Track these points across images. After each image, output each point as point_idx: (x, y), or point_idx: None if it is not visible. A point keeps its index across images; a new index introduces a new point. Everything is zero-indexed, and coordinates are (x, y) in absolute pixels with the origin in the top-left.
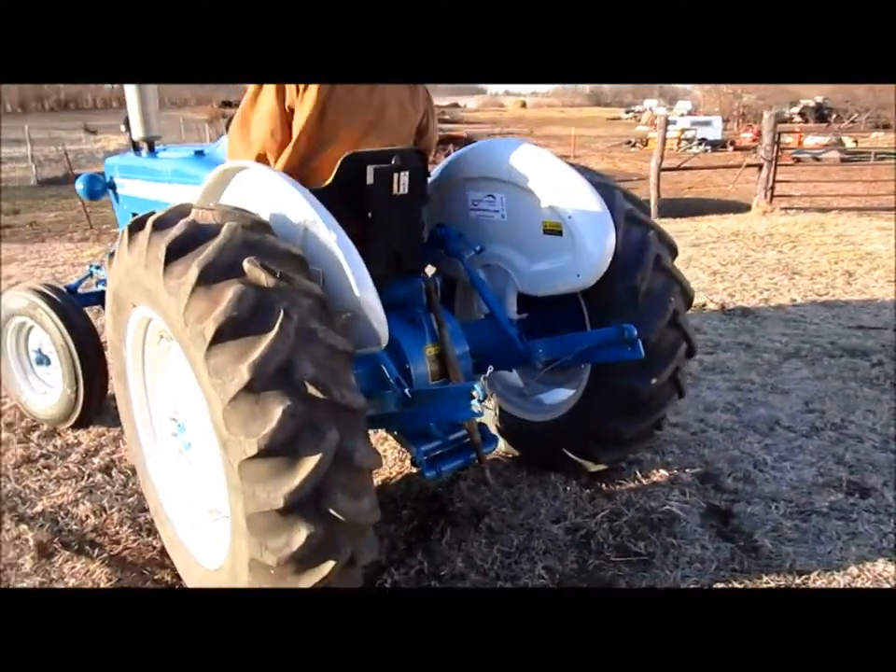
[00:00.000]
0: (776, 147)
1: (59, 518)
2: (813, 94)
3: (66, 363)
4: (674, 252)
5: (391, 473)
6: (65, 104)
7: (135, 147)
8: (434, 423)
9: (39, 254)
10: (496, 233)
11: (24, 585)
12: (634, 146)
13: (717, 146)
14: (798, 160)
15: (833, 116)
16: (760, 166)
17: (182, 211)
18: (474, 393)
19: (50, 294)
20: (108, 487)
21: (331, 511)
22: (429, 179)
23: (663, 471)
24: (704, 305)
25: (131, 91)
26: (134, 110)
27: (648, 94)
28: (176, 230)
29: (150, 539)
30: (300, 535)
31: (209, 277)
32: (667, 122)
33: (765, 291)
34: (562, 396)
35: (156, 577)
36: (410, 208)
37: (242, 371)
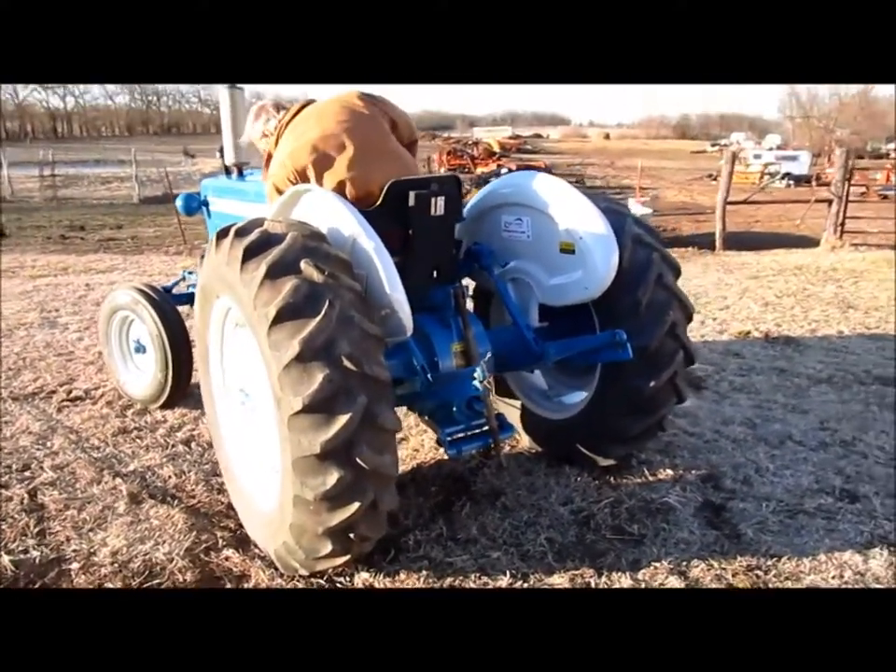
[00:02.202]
0: (846, 184)
1: (146, 476)
2: None
3: (159, 351)
4: (677, 272)
5: (426, 458)
6: (168, 128)
7: (227, 171)
8: (457, 408)
9: (138, 264)
10: (522, 251)
11: (119, 523)
12: (714, 179)
13: (801, 181)
14: (885, 196)
15: None
16: (830, 202)
17: (258, 223)
18: (475, 374)
19: (150, 292)
20: (188, 456)
21: (358, 460)
22: (470, 204)
23: (669, 471)
24: (748, 333)
25: (226, 122)
26: (228, 139)
27: (736, 127)
28: (252, 236)
29: (220, 496)
30: (332, 476)
31: (274, 273)
32: (734, 157)
33: (814, 322)
34: (577, 397)
35: (222, 524)
36: (445, 227)
37: (294, 344)
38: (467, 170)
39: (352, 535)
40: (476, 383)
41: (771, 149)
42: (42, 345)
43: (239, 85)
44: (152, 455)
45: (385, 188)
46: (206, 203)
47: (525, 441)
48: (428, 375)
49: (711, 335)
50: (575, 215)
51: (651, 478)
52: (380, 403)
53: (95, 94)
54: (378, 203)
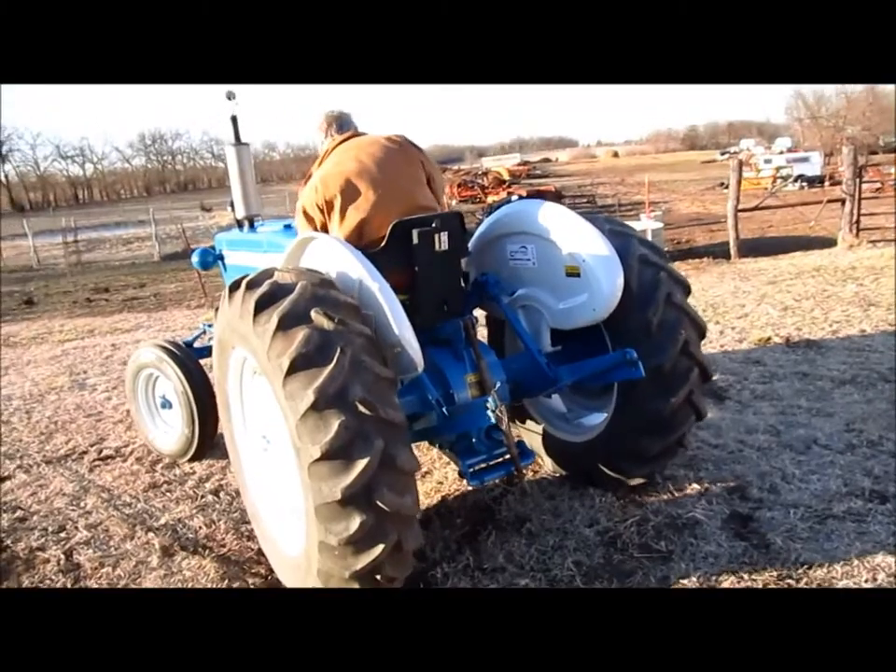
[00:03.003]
0: (858, 181)
1: (178, 529)
2: None
3: (185, 407)
4: (686, 289)
5: (450, 490)
6: (185, 185)
7: (239, 224)
8: (476, 438)
9: (162, 321)
10: (529, 278)
11: (153, 577)
12: (726, 187)
13: (815, 181)
14: None
15: None
16: (843, 201)
17: (268, 273)
18: (488, 404)
19: (172, 349)
20: (217, 506)
21: (379, 503)
22: (475, 236)
23: (694, 485)
24: (768, 339)
25: (234, 177)
26: (237, 193)
27: (745, 134)
28: (263, 288)
29: (249, 543)
30: (355, 521)
31: (286, 324)
32: (741, 165)
33: (836, 324)
34: (597, 419)
35: (253, 570)
36: (450, 261)
37: (308, 394)
38: (478, 200)
39: (378, 576)
40: (489, 412)
41: (782, 153)
42: (73, 408)
43: (244, 141)
44: (182, 507)
45: (389, 228)
46: (221, 257)
47: (548, 466)
48: (444, 409)
49: (731, 344)
50: (577, 238)
51: (676, 493)
52: (397, 445)
53: (113, 159)
54: (383, 244)
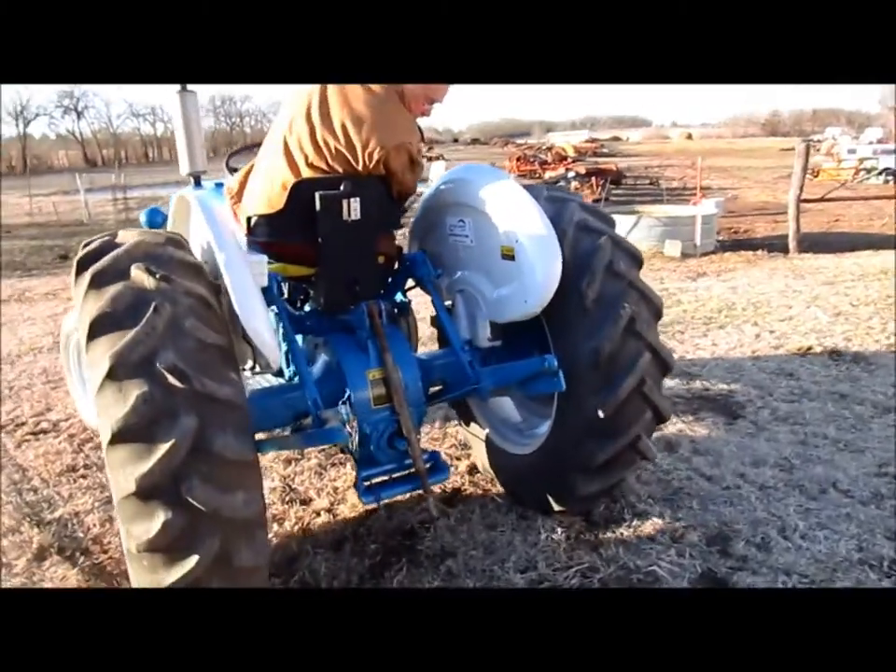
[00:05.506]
0: None
1: (69, 525)
2: None
3: None
4: (636, 260)
5: (376, 506)
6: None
7: (197, 182)
8: (375, 446)
9: None
10: (467, 259)
11: (8, 586)
12: (816, 175)
13: None
14: None
15: None
16: None
17: (112, 234)
18: (342, 416)
19: None
20: None
21: (189, 499)
22: (419, 206)
23: (668, 526)
24: (809, 349)
25: (178, 128)
26: (182, 146)
27: (833, 122)
28: (93, 245)
29: None
30: (157, 521)
31: (99, 281)
32: (808, 150)
33: (893, 336)
34: (543, 427)
35: (124, 585)
36: (363, 234)
37: (106, 360)
38: (535, 175)
39: None
40: (344, 429)
41: (871, 143)
42: (38, 372)
43: (190, 87)
44: (86, 498)
45: (289, 189)
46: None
47: (495, 485)
48: (319, 412)
49: (765, 350)
50: (513, 214)
51: (641, 535)
52: (219, 427)
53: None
54: (281, 206)
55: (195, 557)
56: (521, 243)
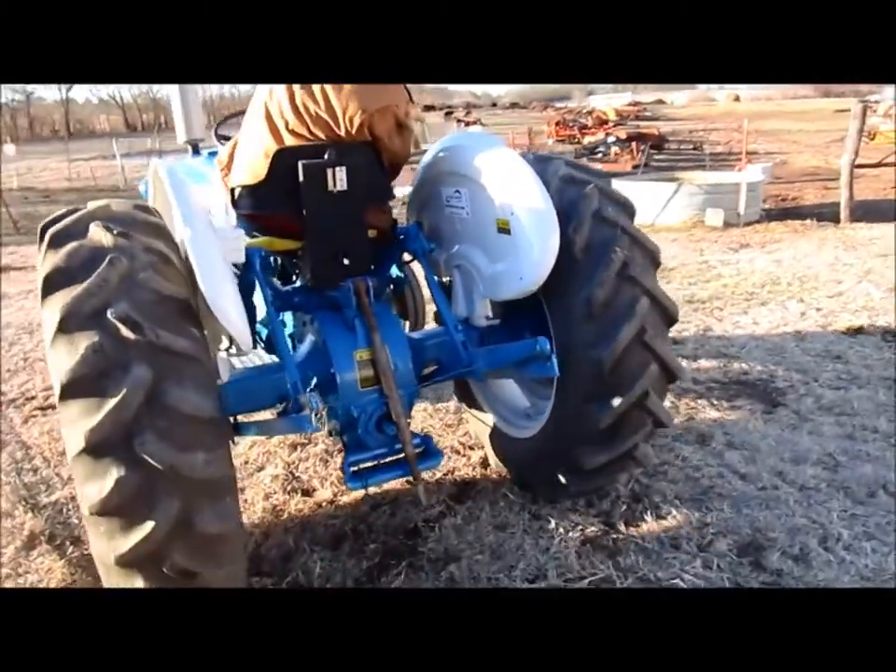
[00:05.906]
0: None
1: (64, 510)
2: None
3: None
4: (626, 208)
5: (381, 499)
6: None
7: (195, 150)
8: (363, 430)
9: None
10: (463, 232)
11: None
12: (872, 138)
13: None
14: None
15: None
16: None
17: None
18: (311, 405)
19: None
20: None
21: (143, 455)
22: (416, 176)
23: (695, 533)
24: (860, 329)
25: (174, 97)
26: (178, 115)
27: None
28: (60, 212)
29: None
30: (110, 479)
31: (57, 241)
32: (864, 111)
33: None
34: (544, 408)
35: None
36: (351, 206)
37: (57, 312)
38: (575, 140)
39: (165, 567)
40: (312, 418)
41: None
42: None
43: None
44: None
45: (271, 157)
46: None
47: (509, 479)
48: (300, 395)
49: (810, 329)
50: (509, 184)
51: (665, 541)
52: (175, 380)
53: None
54: (263, 177)
55: (153, 520)
56: (516, 216)
